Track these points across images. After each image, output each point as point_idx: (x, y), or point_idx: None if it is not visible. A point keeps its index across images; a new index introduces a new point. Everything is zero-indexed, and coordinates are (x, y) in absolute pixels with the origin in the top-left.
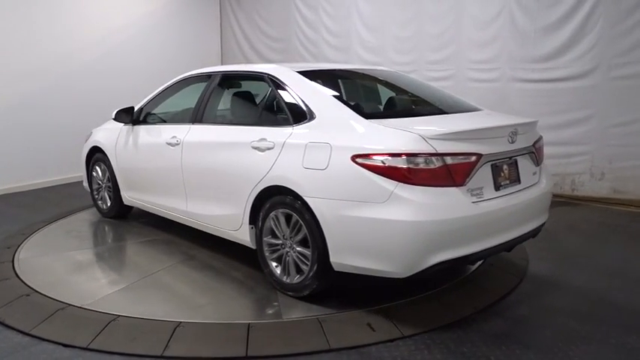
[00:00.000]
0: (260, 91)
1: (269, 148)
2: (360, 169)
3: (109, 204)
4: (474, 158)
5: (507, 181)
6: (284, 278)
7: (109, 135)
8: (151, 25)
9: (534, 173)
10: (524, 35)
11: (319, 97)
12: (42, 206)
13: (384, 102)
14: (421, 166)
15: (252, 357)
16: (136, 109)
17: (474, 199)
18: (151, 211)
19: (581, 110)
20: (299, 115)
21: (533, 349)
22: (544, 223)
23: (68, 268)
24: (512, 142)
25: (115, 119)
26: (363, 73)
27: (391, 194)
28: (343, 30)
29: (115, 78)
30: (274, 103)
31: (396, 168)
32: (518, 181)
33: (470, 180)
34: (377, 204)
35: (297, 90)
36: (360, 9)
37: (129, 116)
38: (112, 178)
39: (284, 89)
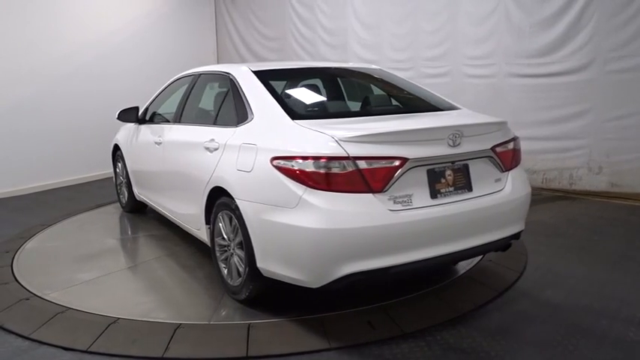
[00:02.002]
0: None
1: (215, 149)
2: (276, 172)
3: (126, 199)
4: (397, 163)
5: (450, 188)
6: (229, 280)
7: (125, 134)
8: (146, 26)
9: (497, 180)
10: (520, 30)
11: (259, 98)
12: (39, 210)
13: (338, 101)
14: (331, 170)
15: (253, 357)
16: (142, 108)
17: (398, 207)
18: (151, 207)
19: (577, 104)
20: (242, 115)
21: (533, 344)
22: (517, 234)
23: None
24: (455, 146)
25: (118, 119)
26: (333, 72)
27: (300, 199)
28: (339, 28)
29: (111, 80)
30: (228, 103)
31: (304, 172)
32: (467, 188)
33: (391, 186)
34: (288, 209)
35: (246, 90)
36: (356, 7)
37: (132, 116)
38: (127, 175)
39: (237, 89)
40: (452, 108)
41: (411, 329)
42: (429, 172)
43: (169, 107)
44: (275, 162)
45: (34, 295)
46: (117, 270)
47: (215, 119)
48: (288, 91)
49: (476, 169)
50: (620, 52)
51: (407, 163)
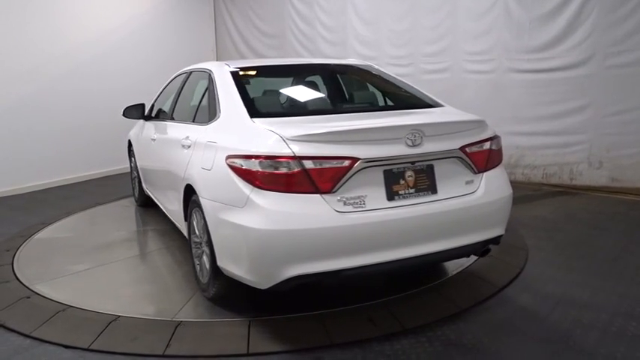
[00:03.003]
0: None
1: (188, 147)
2: (229, 171)
3: (137, 193)
4: (346, 163)
5: (410, 190)
6: (200, 277)
7: (135, 130)
8: (145, 24)
9: (468, 182)
10: (520, 26)
11: (227, 96)
12: (39, 208)
13: (310, 99)
14: (276, 170)
15: (254, 354)
16: (149, 105)
17: (348, 208)
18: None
19: (577, 99)
20: (213, 113)
21: (535, 339)
22: (495, 238)
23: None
24: (415, 145)
25: (123, 115)
26: (316, 69)
27: (247, 199)
28: (338, 24)
29: (110, 79)
30: (205, 101)
31: (250, 171)
32: (431, 190)
33: (340, 187)
34: (238, 208)
35: (219, 88)
36: (355, 3)
37: (138, 112)
38: (137, 169)
39: (213, 87)
40: (433, 105)
41: (412, 325)
42: (385, 172)
43: (169, 104)
44: (228, 160)
45: (35, 293)
46: (109, 262)
47: (194, 117)
48: (262, 89)
49: (442, 170)
50: (620, 47)
51: (358, 164)
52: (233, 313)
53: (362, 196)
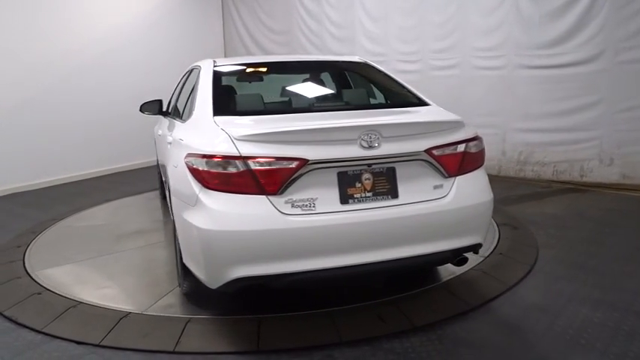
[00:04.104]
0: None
1: (170, 144)
2: (186, 169)
3: (160, 187)
4: (294, 164)
5: (367, 194)
6: (177, 272)
7: (157, 125)
8: (153, 20)
9: (437, 186)
10: (530, 21)
11: (203, 93)
12: (49, 205)
13: (284, 97)
14: (222, 169)
15: (264, 351)
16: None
17: (296, 211)
18: None
19: (588, 95)
20: (190, 110)
21: (546, 338)
22: (472, 247)
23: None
24: (371, 147)
25: (140, 110)
26: (306, 67)
27: (197, 198)
28: (346, 21)
29: (119, 75)
30: (190, 98)
31: (198, 170)
32: (391, 194)
33: (287, 189)
34: (191, 207)
35: (199, 85)
36: None
37: (154, 108)
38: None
39: (197, 84)
40: (417, 104)
41: (422, 323)
42: (340, 175)
43: (174, 100)
44: (186, 159)
45: (46, 289)
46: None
47: (182, 114)
48: (241, 87)
49: (406, 173)
50: (632, 43)
51: (306, 165)
52: (243, 310)
53: (312, 199)
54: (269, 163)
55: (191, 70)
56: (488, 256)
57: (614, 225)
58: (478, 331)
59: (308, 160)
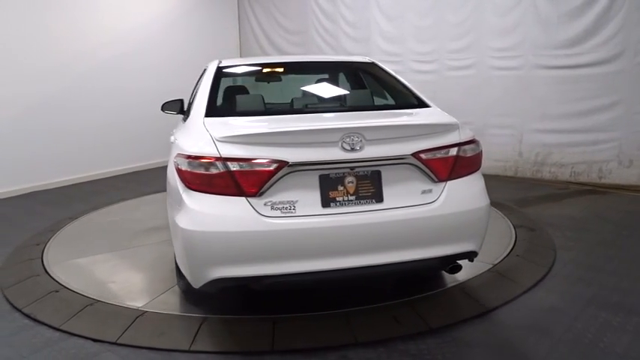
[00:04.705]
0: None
1: (172, 144)
2: (174, 169)
3: None
4: (274, 166)
5: (350, 197)
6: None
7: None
8: (169, 22)
9: (426, 191)
10: (548, 21)
11: (201, 94)
12: (67, 203)
13: (280, 98)
14: (203, 170)
15: (279, 351)
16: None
17: (276, 213)
18: None
19: (607, 96)
20: (189, 112)
21: (563, 341)
22: (466, 254)
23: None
24: (353, 150)
25: (161, 109)
26: (311, 67)
27: (181, 199)
28: (362, 21)
29: (134, 76)
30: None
31: (182, 171)
32: (375, 198)
33: (267, 191)
34: (177, 207)
35: (201, 86)
36: None
37: (175, 107)
38: None
39: (199, 86)
40: (415, 106)
41: (438, 325)
42: (322, 178)
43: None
44: (174, 159)
45: (64, 287)
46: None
47: (186, 114)
48: (238, 87)
49: (392, 177)
50: None
51: (285, 167)
52: (258, 310)
53: (292, 202)
54: (248, 165)
55: (204, 70)
56: (504, 258)
57: (633, 227)
58: (494, 334)
59: (288, 163)
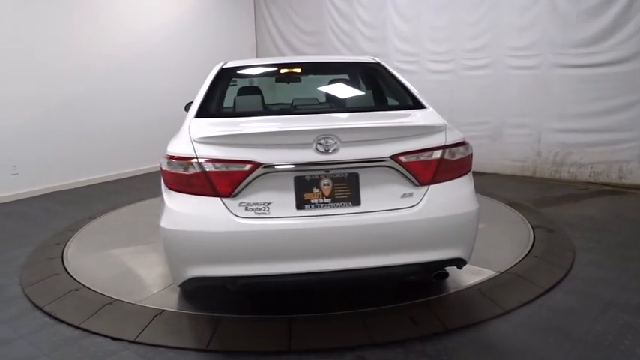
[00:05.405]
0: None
1: None
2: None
3: None
4: (247, 167)
5: (326, 200)
6: None
7: None
8: (186, 23)
9: (406, 195)
10: (566, 19)
11: (199, 94)
12: (87, 203)
13: (272, 98)
14: (178, 170)
15: (296, 351)
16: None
17: (250, 214)
18: None
19: (627, 95)
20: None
21: (582, 343)
22: (451, 260)
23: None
24: (328, 152)
25: (185, 109)
26: (315, 67)
27: (162, 199)
28: (378, 21)
29: (153, 77)
30: None
31: (163, 171)
32: (352, 201)
33: (241, 192)
34: (161, 207)
35: (202, 86)
36: None
37: None
38: None
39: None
40: (409, 107)
41: (455, 325)
42: (297, 180)
43: None
44: (161, 160)
45: (84, 286)
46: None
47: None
48: (236, 88)
49: (370, 180)
50: None
51: (259, 169)
52: (274, 310)
53: (267, 203)
54: (222, 166)
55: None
56: (522, 259)
57: None
58: (512, 335)
59: (261, 164)
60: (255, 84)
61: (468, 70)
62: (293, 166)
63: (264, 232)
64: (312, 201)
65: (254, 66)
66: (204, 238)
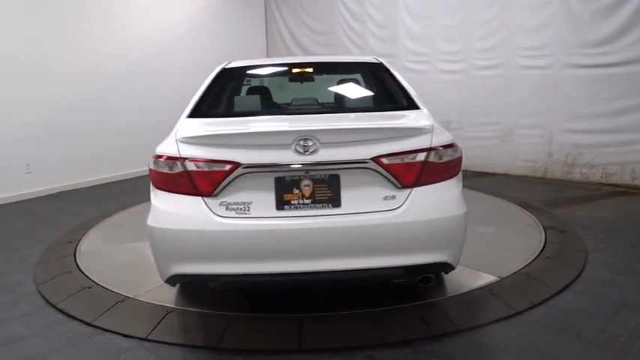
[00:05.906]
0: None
1: None
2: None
3: None
4: (227, 167)
5: (305, 201)
6: None
7: None
8: (197, 23)
9: (388, 197)
10: (579, 19)
11: (195, 96)
12: (98, 202)
13: (264, 99)
14: (163, 169)
15: (305, 350)
16: None
17: (230, 214)
18: None
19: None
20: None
21: (594, 345)
22: (436, 265)
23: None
24: (307, 153)
25: None
26: (317, 68)
27: (150, 197)
28: (389, 20)
29: (163, 77)
30: None
31: (150, 170)
32: (333, 203)
33: (222, 191)
34: (150, 205)
35: (202, 86)
36: None
37: None
38: None
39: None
40: (404, 108)
41: (466, 326)
42: (277, 180)
43: None
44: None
45: (96, 283)
46: None
47: None
48: (236, 88)
49: (352, 182)
50: None
51: (239, 169)
52: (284, 309)
53: (247, 203)
54: (204, 165)
55: None
56: (534, 259)
57: None
58: (523, 336)
59: (240, 164)
60: (258, 84)
61: (479, 70)
62: (272, 167)
63: (244, 232)
64: (292, 202)
65: (254, 66)
66: (187, 236)
